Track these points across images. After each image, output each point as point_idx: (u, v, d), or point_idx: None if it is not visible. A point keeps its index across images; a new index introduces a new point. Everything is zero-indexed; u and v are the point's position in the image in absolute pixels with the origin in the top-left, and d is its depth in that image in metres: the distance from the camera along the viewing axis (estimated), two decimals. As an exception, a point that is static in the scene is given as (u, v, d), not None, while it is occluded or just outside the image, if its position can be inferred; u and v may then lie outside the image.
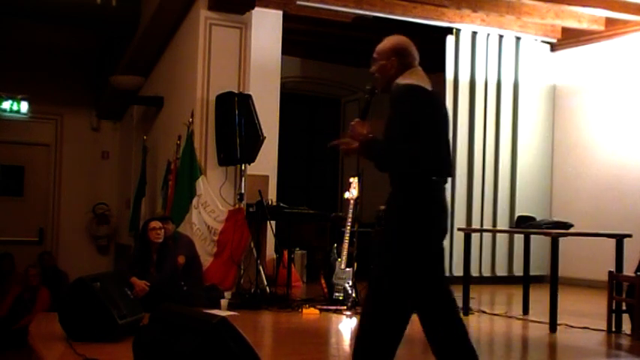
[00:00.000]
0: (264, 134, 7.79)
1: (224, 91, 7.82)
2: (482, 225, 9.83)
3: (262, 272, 7.62)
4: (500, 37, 10.10)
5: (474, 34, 9.94)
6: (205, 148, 7.96)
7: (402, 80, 3.66)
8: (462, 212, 9.85)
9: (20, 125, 11.52)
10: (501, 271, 10.02)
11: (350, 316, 6.66)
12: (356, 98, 11.89)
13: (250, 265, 7.73)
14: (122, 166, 12.11)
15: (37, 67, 11.48)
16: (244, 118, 7.65)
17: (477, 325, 6.68)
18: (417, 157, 3.51)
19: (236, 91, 7.85)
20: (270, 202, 8.04)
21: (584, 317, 6.65)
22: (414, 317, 3.65)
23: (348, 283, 7.16)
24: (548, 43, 10.41)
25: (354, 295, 7.06)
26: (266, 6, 8.88)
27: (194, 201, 7.82)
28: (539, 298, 6.97)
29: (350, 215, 7.33)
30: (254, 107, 7.75)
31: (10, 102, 10.99)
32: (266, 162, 8.58)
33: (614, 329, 6.09)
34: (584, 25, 9.72)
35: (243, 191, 7.87)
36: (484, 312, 7.16)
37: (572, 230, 6.72)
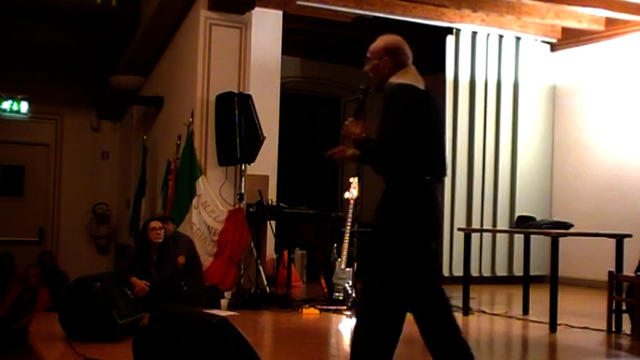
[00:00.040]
0: (264, 134, 7.79)
1: (224, 91, 7.82)
2: (482, 225, 9.83)
3: (262, 272, 7.62)
4: (500, 37, 10.10)
5: (474, 34, 9.94)
6: (205, 148, 7.96)
7: (395, 79, 3.66)
8: (462, 212, 9.85)
9: (20, 125, 11.52)
10: (501, 271, 10.02)
11: (350, 316, 6.65)
12: (356, 98, 11.89)
13: (250, 265, 7.73)
14: (122, 166, 12.11)
15: (37, 67, 11.48)
16: (244, 118, 7.65)
17: (476, 325, 6.69)
18: (409, 156, 3.51)
19: (236, 91, 7.85)
20: (270, 202, 8.04)
21: (584, 317, 6.65)
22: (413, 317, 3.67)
23: (348, 283, 7.17)
24: (548, 43, 10.41)
25: (354, 295, 7.06)
26: (266, 6, 8.88)
27: (194, 201, 7.82)
28: (539, 298, 6.97)
29: (350, 215, 7.33)
30: (254, 107, 7.75)
31: (10, 102, 10.99)
32: (266, 162, 8.58)
33: (614, 329, 6.08)
34: (584, 25, 9.72)
35: (243, 191, 7.87)
36: (484, 312, 7.16)
37: (572, 230, 6.72)
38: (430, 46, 10.07)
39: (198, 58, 7.97)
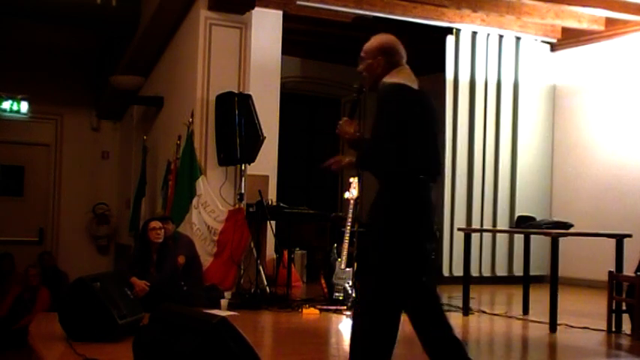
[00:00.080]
0: (264, 134, 7.79)
1: (224, 91, 7.82)
2: (482, 225, 9.83)
3: (262, 272, 7.61)
4: (500, 37, 10.10)
5: (474, 34, 9.93)
6: (205, 148, 7.96)
7: (388, 79, 3.67)
8: (462, 212, 9.85)
9: (20, 125, 11.52)
10: (501, 271, 10.02)
11: (350, 316, 6.65)
12: (357, 98, 11.87)
13: (250, 265, 7.73)
14: (122, 166, 12.11)
15: (37, 67, 11.48)
16: (244, 118, 7.65)
17: (476, 325, 6.69)
18: (403, 156, 3.51)
19: (236, 91, 7.85)
20: (270, 202, 8.04)
21: (584, 317, 6.65)
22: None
23: (348, 283, 7.17)
24: (548, 43, 10.41)
25: (354, 295, 7.05)
26: (266, 6, 8.88)
27: (194, 201, 7.82)
28: (539, 298, 6.97)
29: (350, 215, 7.33)
30: (254, 107, 7.75)
31: (10, 102, 10.99)
32: (266, 162, 8.58)
33: (614, 329, 6.09)
34: (584, 25, 9.72)
35: (243, 191, 7.87)
36: (484, 312, 7.15)
37: (572, 230, 6.72)
38: (430, 46, 10.09)
39: (198, 58, 7.97)
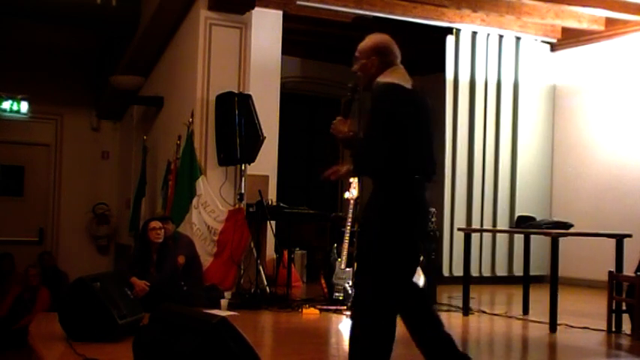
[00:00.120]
0: (264, 134, 7.79)
1: (224, 91, 7.82)
2: (482, 225, 9.83)
3: (262, 272, 7.61)
4: (500, 37, 10.10)
5: (474, 34, 9.94)
6: (205, 148, 7.96)
7: (382, 79, 3.68)
8: (462, 212, 9.85)
9: (20, 125, 11.52)
10: (501, 271, 10.02)
11: (349, 316, 6.65)
12: (357, 98, 11.87)
13: (250, 265, 7.73)
14: (122, 166, 12.11)
15: (37, 67, 11.48)
16: (244, 118, 7.65)
17: (476, 325, 6.69)
18: (396, 155, 3.52)
19: (236, 91, 7.85)
20: (270, 202, 8.04)
21: (584, 317, 6.65)
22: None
23: (348, 283, 7.16)
24: (548, 43, 10.41)
25: (354, 295, 7.04)
26: (266, 6, 8.88)
27: (194, 201, 7.82)
28: (539, 298, 6.97)
29: (350, 215, 7.32)
30: (254, 107, 7.75)
31: (10, 102, 10.98)
32: (266, 162, 8.58)
33: (614, 329, 6.08)
34: (584, 25, 9.72)
35: (243, 191, 7.87)
36: (484, 312, 7.15)
37: (572, 230, 6.72)
38: (430, 46, 10.09)
39: (198, 58, 7.97)
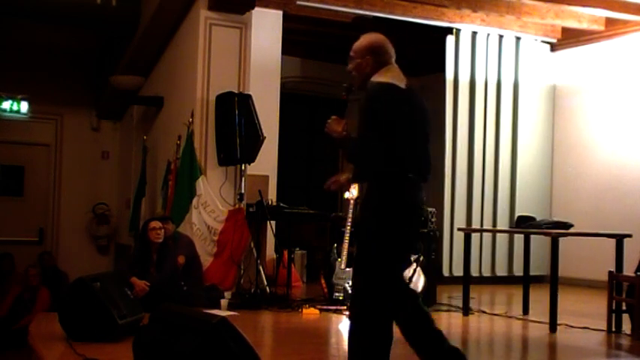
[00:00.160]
0: (264, 134, 7.79)
1: (224, 91, 7.82)
2: (482, 225, 9.83)
3: (262, 272, 7.61)
4: (500, 37, 10.10)
5: (474, 34, 9.94)
6: (205, 148, 7.96)
7: (376, 78, 3.68)
8: (462, 212, 9.85)
9: (20, 125, 11.52)
10: (501, 271, 10.02)
11: (348, 317, 6.65)
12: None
13: (250, 265, 7.73)
14: (122, 166, 12.11)
15: (37, 67, 11.48)
16: (244, 118, 7.65)
17: (476, 325, 6.69)
18: (390, 155, 3.52)
19: (236, 91, 7.85)
20: (270, 202, 8.03)
21: (584, 317, 6.65)
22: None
23: (348, 283, 7.15)
24: (548, 43, 10.41)
25: (351, 295, 7.04)
26: (266, 6, 8.88)
27: (194, 201, 7.82)
28: (539, 298, 6.97)
29: (350, 215, 7.33)
30: (254, 107, 7.75)
31: (10, 102, 10.98)
32: (266, 162, 8.58)
33: (614, 329, 6.08)
34: (584, 25, 9.72)
35: (243, 191, 7.87)
36: (484, 312, 7.15)
37: (572, 230, 6.72)
38: (430, 46, 10.10)
39: (198, 58, 7.97)
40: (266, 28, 8.99)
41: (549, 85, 10.48)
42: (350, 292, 7.00)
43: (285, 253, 8.10)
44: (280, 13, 9.15)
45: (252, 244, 7.79)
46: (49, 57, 11.58)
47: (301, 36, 10.60)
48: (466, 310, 6.94)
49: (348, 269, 7.19)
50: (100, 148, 12.54)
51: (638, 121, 9.48)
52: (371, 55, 3.72)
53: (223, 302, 6.92)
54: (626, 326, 6.07)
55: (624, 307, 6.17)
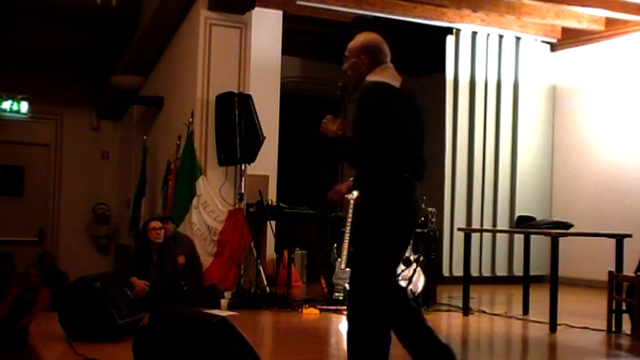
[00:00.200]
0: (264, 134, 7.79)
1: (224, 91, 7.82)
2: (482, 225, 9.83)
3: (262, 272, 7.61)
4: (500, 37, 10.10)
5: (474, 34, 9.94)
6: (205, 148, 7.96)
7: (371, 77, 3.69)
8: (462, 212, 9.85)
9: (20, 125, 11.52)
10: (501, 271, 10.03)
11: (347, 317, 6.64)
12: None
13: (250, 265, 7.73)
14: (122, 166, 12.11)
15: (37, 67, 11.48)
16: (244, 118, 7.65)
17: (476, 325, 6.69)
18: (384, 154, 3.52)
19: (236, 91, 7.85)
20: (270, 202, 8.04)
21: (584, 317, 6.65)
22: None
23: (348, 283, 7.16)
24: (548, 43, 10.42)
25: (349, 295, 7.04)
26: (266, 6, 8.88)
27: (194, 201, 7.82)
28: (539, 298, 6.97)
29: (350, 215, 7.32)
30: (254, 107, 7.75)
31: (10, 102, 10.98)
32: (266, 162, 8.58)
33: (614, 329, 6.09)
34: (584, 25, 9.72)
35: (243, 191, 7.87)
36: (484, 312, 7.15)
37: (572, 230, 6.72)
38: (430, 46, 10.10)
39: (198, 58, 7.97)
40: (266, 28, 8.99)
41: (549, 85, 10.48)
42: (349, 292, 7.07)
43: (285, 253, 8.10)
44: (280, 13, 9.16)
45: (252, 244, 7.79)
46: (49, 57, 11.58)
47: (301, 36, 10.59)
48: (466, 310, 6.94)
49: (348, 269, 7.19)
50: (100, 148, 12.54)
51: (638, 121, 9.48)
52: (366, 54, 3.73)
53: (223, 302, 6.92)
54: (626, 326, 6.07)
55: (624, 307, 6.18)
